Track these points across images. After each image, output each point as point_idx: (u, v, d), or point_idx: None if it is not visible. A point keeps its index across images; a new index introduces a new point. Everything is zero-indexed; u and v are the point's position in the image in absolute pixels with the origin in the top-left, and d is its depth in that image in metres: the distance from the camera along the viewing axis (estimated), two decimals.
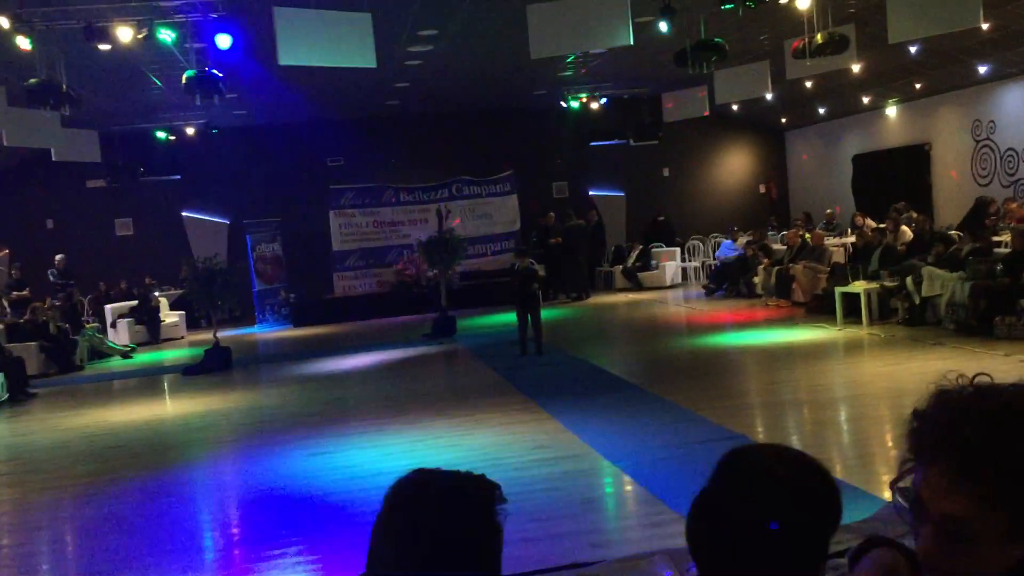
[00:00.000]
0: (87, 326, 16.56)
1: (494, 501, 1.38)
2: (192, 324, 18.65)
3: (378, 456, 7.45)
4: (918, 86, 17.85)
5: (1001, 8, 12.66)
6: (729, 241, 19.72)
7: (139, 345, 16.91)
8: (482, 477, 1.41)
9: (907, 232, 14.66)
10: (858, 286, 12.45)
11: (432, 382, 11.61)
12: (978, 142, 17.24)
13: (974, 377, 1.16)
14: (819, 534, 1.38)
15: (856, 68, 15.00)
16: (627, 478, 6.33)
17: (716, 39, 11.78)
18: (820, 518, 1.37)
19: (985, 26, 12.17)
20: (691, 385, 9.43)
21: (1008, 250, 11.59)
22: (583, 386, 9.87)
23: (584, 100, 19.92)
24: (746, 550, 1.35)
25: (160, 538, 5.94)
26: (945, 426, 1.10)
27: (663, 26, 11.04)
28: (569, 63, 16.63)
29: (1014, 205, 14.33)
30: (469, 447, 7.52)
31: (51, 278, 18.30)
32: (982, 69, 16.02)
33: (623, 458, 6.73)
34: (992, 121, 16.81)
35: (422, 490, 1.37)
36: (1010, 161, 16.42)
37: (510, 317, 12.58)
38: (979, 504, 1.05)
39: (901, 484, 1.19)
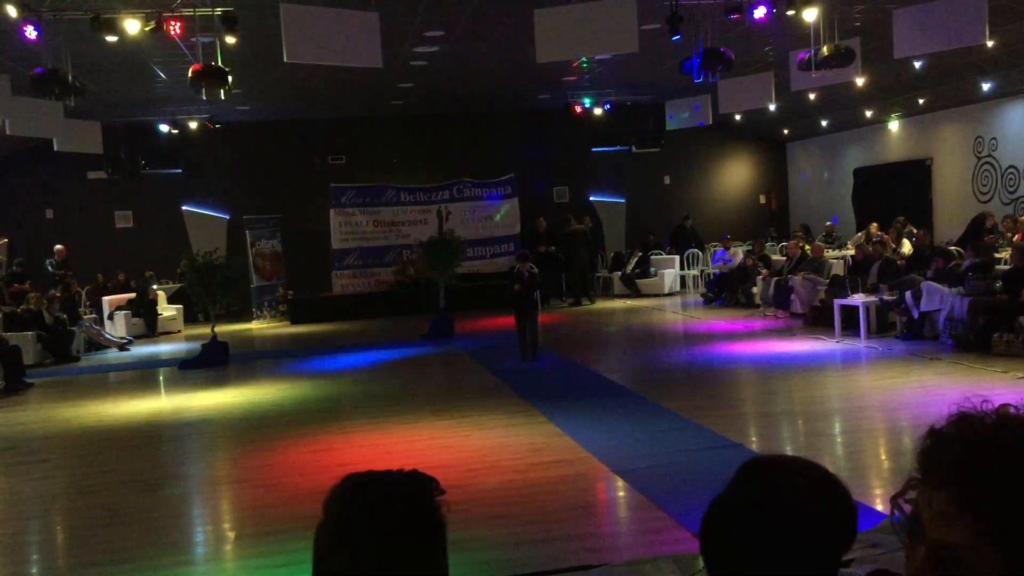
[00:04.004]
0: (84, 317, 16.55)
1: (432, 495, 1.38)
2: (190, 318, 18.63)
3: (375, 455, 7.45)
4: (921, 101, 17.90)
5: (1005, 26, 12.71)
6: (722, 250, 19.79)
7: (136, 338, 16.90)
8: (416, 472, 1.40)
9: (907, 246, 14.69)
10: (857, 299, 12.47)
11: (429, 383, 11.61)
12: (979, 159, 17.29)
13: (1000, 407, 1.13)
14: (834, 547, 1.38)
15: (860, 81, 15.05)
16: (623, 483, 6.33)
17: (722, 48, 11.81)
18: (836, 531, 1.38)
19: (989, 44, 12.22)
20: (688, 393, 9.44)
21: (1008, 267, 11.61)
22: (581, 391, 9.86)
23: (587, 106, 19.96)
24: (760, 559, 1.35)
25: (154, 531, 5.94)
26: (960, 453, 1.09)
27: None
28: (574, 68, 16.65)
29: (1023, 218, 14.33)
30: (466, 448, 7.52)
31: (49, 268, 18.29)
32: (985, 86, 16.06)
33: (620, 463, 6.73)
34: (994, 138, 16.86)
35: (359, 494, 1.36)
36: (1011, 178, 16.46)
37: (509, 320, 12.57)
38: (979, 538, 1.04)
39: (902, 500, 1.17)
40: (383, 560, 1.29)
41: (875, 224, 17.39)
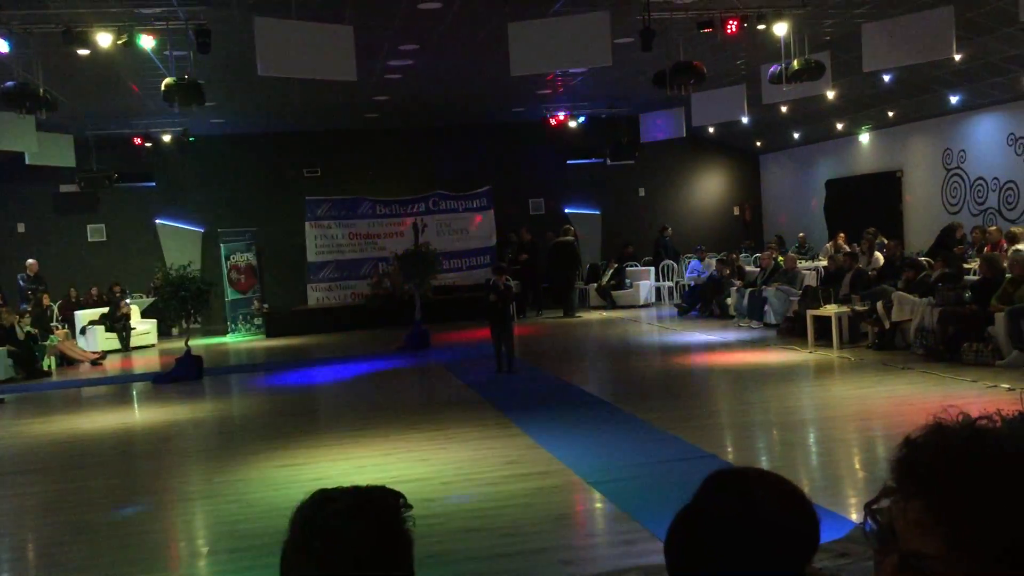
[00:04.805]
0: (55, 333, 16.38)
1: (400, 510, 1.39)
2: (164, 332, 18.49)
3: (350, 468, 7.42)
4: (891, 114, 18.13)
5: (973, 40, 12.91)
6: (696, 261, 19.91)
7: (109, 353, 16.74)
8: (384, 488, 1.41)
9: (879, 257, 14.86)
10: (829, 309, 12.58)
11: (405, 395, 11.59)
12: (948, 171, 17.52)
13: (977, 419, 1.15)
14: (796, 559, 1.40)
15: (831, 95, 15.23)
16: (598, 495, 6.35)
17: (694, 62, 11.92)
18: (801, 542, 1.39)
19: (957, 57, 12.41)
20: (663, 404, 9.48)
21: (977, 277, 11.77)
22: (556, 402, 9.88)
23: (562, 118, 20.06)
24: (725, 569, 1.37)
25: (127, 547, 5.89)
26: (934, 463, 1.10)
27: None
28: (548, 81, 16.73)
29: (993, 228, 14.53)
30: (441, 461, 7.51)
31: (20, 283, 18.10)
32: (953, 99, 16.29)
33: (595, 475, 6.75)
34: (962, 150, 17.09)
35: (326, 510, 1.37)
36: (979, 190, 16.69)
37: (484, 332, 12.59)
38: (952, 548, 1.05)
39: (875, 507, 1.18)
40: (351, 572, 1.30)
41: (842, 235, 17.64)
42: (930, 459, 1.09)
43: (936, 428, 1.12)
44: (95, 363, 15.80)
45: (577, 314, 19.00)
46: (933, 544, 1.05)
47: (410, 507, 1.38)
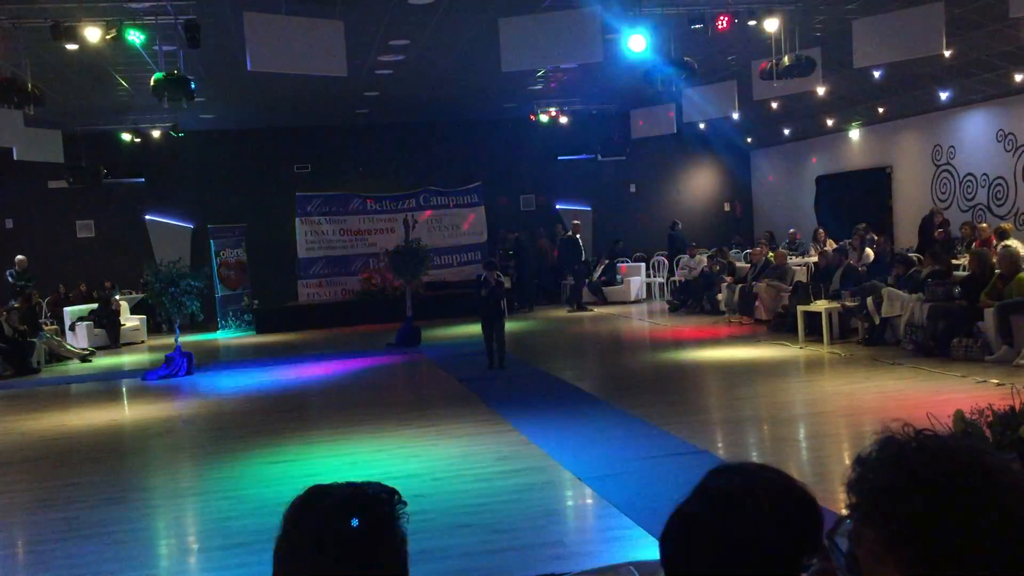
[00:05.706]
0: (45, 328, 16.31)
1: (393, 506, 1.38)
2: (153, 329, 18.43)
3: (340, 465, 7.41)
4: (881, 110, 18.18)
5: (962, 36, 12.94)
6: (687, 257, 19.92)
7: (98, 349, 16.67)
8: (378, 484, 1.40)
9: (869, 253, 14.90)
10: (819, 305, 12.61)
11: (396, 392, 11.57)
12: (938, 167, 17.58)
13: (919, 432, 1.15)
14: (796, 554, 1.39)
15: (821, 91, 15.26)
16: (589, 491, 6.35)
17: (685, 58, 11.94)
18: (798, 539, 1.38)
19: (947, 53, 12.44)
20: (654, 399, 9.49)
21: (966, 273, 11.81)
22: (547, 398, 9.88)
23: (553, 114, 20.05)
24: (721, 568, 1.36)
25: (116, 544, 5.86)
26: (884, 490, 1.10)
27: (635, 44, 11.07)
28: (539, 77, 16.72)
29: (983, 225, 14.60)
30: (432, 457, 7.50)
31: (9, 279, 18.01)
32: (943, 95, 16.35)
33: (586, 471, 6.75)
34: (952, 147, 17.15)
35: (319, 505, 1.36)
36: (968, 186, 16.75)
37: (475, 328, 12.58)
38: (909, 571, 1.06)
39: (837, 535, 1.19)
40: (342, 571, 1.29)
41: (822, 231, 17.76)
42: (879, 484, 1.09)
43: (885, 444, 1.13)
44: (84, 359, 15.74)
45: (572, 307, 19.02)
46: (891, 570, 1.05)
47: (404, 503, 1.37)
